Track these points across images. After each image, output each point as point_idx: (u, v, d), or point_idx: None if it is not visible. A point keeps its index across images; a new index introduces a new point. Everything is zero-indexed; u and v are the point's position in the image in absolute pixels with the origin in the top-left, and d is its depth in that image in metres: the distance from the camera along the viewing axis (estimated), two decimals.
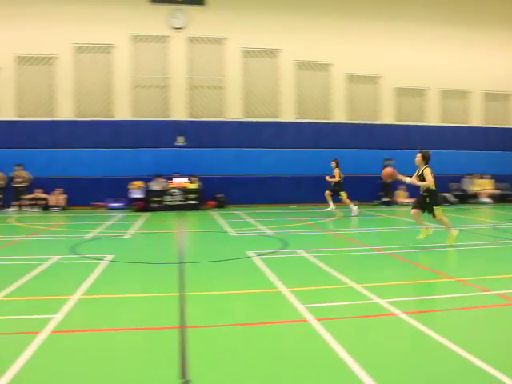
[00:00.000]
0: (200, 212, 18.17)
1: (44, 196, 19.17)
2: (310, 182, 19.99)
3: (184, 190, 18.94)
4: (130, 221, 15.23)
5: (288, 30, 21.08)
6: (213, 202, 19.63)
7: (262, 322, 5.27)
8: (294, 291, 6.18)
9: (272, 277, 7.05)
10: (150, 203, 18.78)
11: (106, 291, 6.53)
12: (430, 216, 9.75)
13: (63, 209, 19.06)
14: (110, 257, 8.80)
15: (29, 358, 4.13)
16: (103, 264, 8.17)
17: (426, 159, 9.67)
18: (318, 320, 5.03)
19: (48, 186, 19.22)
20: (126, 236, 11.94)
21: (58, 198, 19.21)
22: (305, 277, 7.45)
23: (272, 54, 21.26)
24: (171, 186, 19.06)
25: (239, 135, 20.74)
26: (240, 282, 7.11)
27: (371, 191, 20.59)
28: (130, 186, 19.37)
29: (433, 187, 9.55)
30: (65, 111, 20.12)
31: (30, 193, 19.18)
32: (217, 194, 19.88)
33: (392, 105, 22.32)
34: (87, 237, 11.64)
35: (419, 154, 9.70)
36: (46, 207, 19.01)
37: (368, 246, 9.76)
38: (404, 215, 16.88)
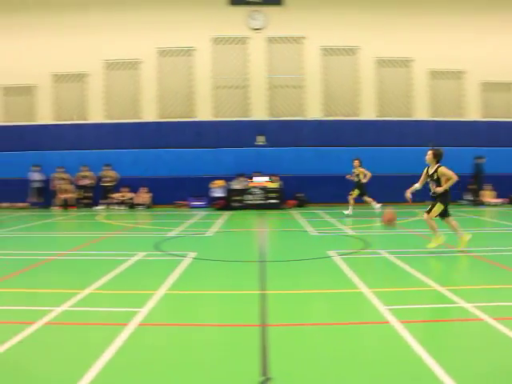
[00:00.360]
0: (280, 211, 18.24)
1: (130, 195, 19.95)
2: (392, 181, 19.52)
3: (264, 189, 19.08)
4: (211, 219, 15.53)
5: (367, 26, 20.73)
6: (293, 201, 19.64)
7: (343, 322, 5.23)
8: (375, 292, 6.09)
9: (353, 277, 6.98)
10: (230, 202, 19.07)
11: (189, 287, 6.71)
12: (426, 210, 9.03)
13: (148, 207, 19.75)
14: (192, 254, 9.03)
15: (118, 349, 4.34)
16: (186, 261, 8.40)
17: (438, 157, 8.86)
18: (401, 322, 4.93)
19: (134, 185, 20.00)
20: (208, 234, 12.20)
21: (143, 196, 19.93)
22: (387, 278, 7.31)
23: (352, 51, 21.00)
24: (252, 185, 19.25)
25: (319, 134, 20.63)
26: (321, 282, 7.08)
27: (456, 191, 19.82)
28: (211, 185, 19.76)
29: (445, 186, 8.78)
30: (149, 113, 20.87)
31: (117, 192, 20.01)
32: (297, 193, 19.89)
33: (478, 100, 21.38)
34: (171, 234, 12.00)
35: (430, 152, 8.92)
36: (132, 205, 19.76)
37: (453, 247, 9.43)
38: (491, 216, 16.19)
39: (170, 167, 20.50)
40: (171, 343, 4.65)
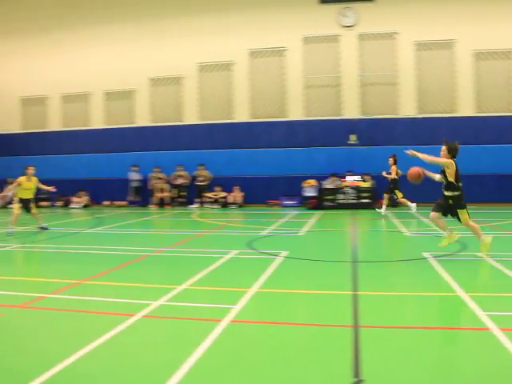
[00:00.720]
0: (373, 211, 17.90)
1: (223, 194, 20.37)
2: (492, 180, 18.59)
3: (357, 189, 18.83)
4: (303, 218, 15.55)
5: (463, 18, 19.76)
6: None
7: (439, 326, 5.07)
8: (474, 297, 5.83)
9: (450, 280, 6.73)
10: (322, 201, 18.97)
11: (281, 286, 6.75)
12: (456, 220, 8.46)
13: (240, 206, 20.08)
14: (284, 253, 9.07)
15: (211, 344, 4.46)
16: (278, 260, 8.46)
17: (452, 152, 8.25)
18: (503, 330, 4.68)
19: (227, 184, 20.40)
20: (300, 233, 12.22)
21: (235, 195, 20.28)
22: (486, 282, 7.01)
23: (447, 45, 20.16)
24: (344, 184, 19.06)
25: (413, 132, 19.96)
26: (416, 284, 6.90)
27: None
28: (303, 185, 19.77)
29: (451, 180, 8.23)
30: (241, 113, 21.22)
31: (211, 191, 20.50)
32: None
33: None
34: (263, 233, 12.13)
35: (444, 147, 8.33)
36: (225, 204, 20.18)
37: None
38: None
39: (262, 166, 20.71)
40: (263, 341, 4.71)
